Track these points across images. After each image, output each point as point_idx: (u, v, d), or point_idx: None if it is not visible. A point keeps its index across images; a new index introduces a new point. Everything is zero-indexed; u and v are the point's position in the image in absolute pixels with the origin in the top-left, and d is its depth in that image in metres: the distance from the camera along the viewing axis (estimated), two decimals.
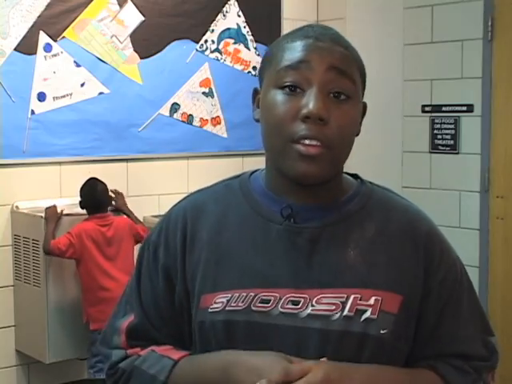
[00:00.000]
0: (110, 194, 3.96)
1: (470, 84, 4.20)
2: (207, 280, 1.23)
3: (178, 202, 1.34)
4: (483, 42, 4.14)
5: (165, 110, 4.49)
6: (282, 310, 1.18)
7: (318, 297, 1.18)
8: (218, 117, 4.71)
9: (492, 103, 4.14)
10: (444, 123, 4.32)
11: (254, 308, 1.19)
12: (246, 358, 1.15)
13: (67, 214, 3.84)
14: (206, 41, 4.63)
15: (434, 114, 4.37)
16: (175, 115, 4.53)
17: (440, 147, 4.35)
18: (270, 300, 1.19)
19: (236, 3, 4.73)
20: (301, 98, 1.17)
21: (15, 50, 3.96)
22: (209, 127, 4.68)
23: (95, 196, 3.81)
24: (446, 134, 4.31)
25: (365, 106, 1.26)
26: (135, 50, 4.36)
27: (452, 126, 4.28)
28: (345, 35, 1.25)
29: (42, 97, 4.05)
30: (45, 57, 4.06)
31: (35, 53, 4.02)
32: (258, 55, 4.81)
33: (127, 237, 3.84)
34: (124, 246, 3.82)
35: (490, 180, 4.16)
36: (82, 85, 4.18)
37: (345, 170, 1.28)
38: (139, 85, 4.37)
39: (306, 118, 1.16)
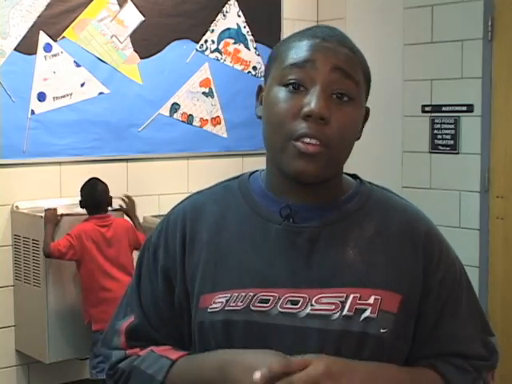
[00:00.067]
0: (123, 197, 3.97)
1: (469, 84, 4.20)
2: (206, 280, 1.23)
3: (178, 204, 1.34)
4: (483, 41, 4.14)
5: (165, 110, 4.49)
6: (281, 309, 1.18)
7: (318, 296, 1.18)
8: (218, 117, 4.71)
9: (492, 103, 4.14)
10: (444, 123, 4.32)
11: (253, 308, 1.19)
12: (242, 357, 1.14)
13: (67, 214, 3.84)
14: (206, 41, 4.63)
15: (433, 114, 4.37)
16: (175, 115, 4.53)
17: (440, 147, 4.34)
18: (269, 300, 1.19)
19: (236, 3, 4.72)
20: (303, 97, 1.17)
21: (15, 50, 3.96)
22: (209, 127, 4.68)
23: (95, 196, 3.81)
24: (446, 134, 4.31)
25: (367, 112, 1.26)
26: (135, 50, 4.36)
27: (452, 126, 4.28)
28: None
29: (41, 97, 4.05)
30: (45, 57, 4.06)
31: (35, 53, 4.02)
32: (258, 55, 4.81)
33: (125, 238, 3.84)
34: (124, 246, 3.82)
35: (490, 180, 4.16)
36: (82, 85, 4.18)
37: (344, 170, 1.28)
38: (139, 85, 4.37)
39: (308, 117, 1.16)
